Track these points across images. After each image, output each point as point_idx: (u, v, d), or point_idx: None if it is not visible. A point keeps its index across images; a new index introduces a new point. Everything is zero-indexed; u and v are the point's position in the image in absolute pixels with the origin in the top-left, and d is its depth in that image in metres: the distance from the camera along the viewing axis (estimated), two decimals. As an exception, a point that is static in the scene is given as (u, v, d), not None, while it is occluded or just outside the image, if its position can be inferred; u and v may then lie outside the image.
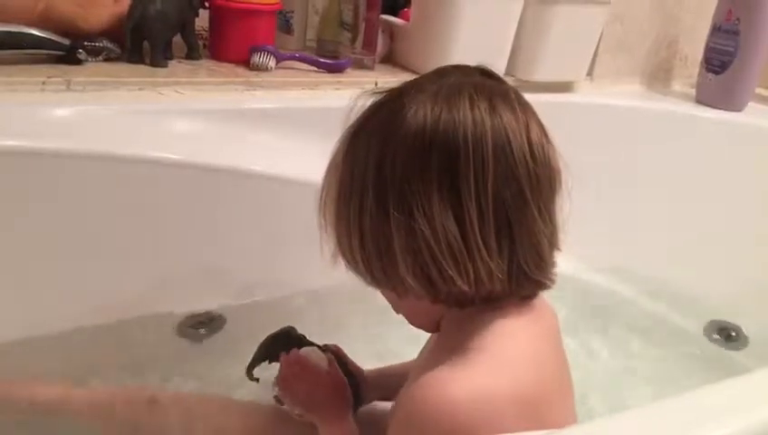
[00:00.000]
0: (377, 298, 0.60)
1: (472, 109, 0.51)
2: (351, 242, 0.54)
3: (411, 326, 0.63)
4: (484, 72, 0.56)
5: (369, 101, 0.56)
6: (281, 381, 0.73)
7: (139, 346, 0.93)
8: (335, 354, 0.76)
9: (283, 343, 0.76)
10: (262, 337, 0.79)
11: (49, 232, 0.87)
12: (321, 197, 0.57)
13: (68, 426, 0.81)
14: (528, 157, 0.51)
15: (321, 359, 0.74)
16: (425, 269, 0.52)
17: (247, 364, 0.77)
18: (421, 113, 0.51)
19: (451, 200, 0.50)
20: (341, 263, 0.57)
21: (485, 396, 0.50)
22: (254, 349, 0.78)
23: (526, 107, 0.54)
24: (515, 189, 0.51)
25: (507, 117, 0.51)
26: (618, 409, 0.47)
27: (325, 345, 0.77)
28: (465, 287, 0.52)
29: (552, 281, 0.56)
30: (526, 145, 0.51)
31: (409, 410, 0.52)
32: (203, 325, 1.00)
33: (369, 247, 0.53)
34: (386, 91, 0.56)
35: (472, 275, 0.51)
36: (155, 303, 0.97)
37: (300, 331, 0.79)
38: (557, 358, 0.59)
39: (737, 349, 1.16)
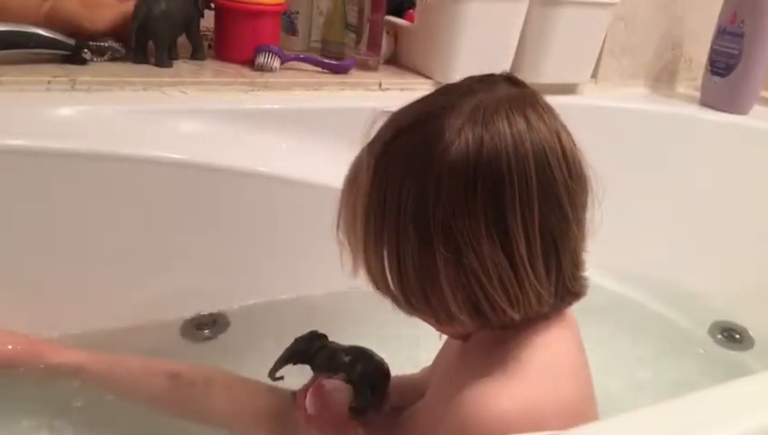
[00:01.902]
0: (384, 302, 0.58)
1: (511, 130, 0.49)
2: (386, 272, 0.52)
3: (419, 328, 0.61)
4: (510, 80, 0.54)
5: (390, 117, 0.54)
6: (305, 409, 0.70)
7: (142, 348, 0.93)
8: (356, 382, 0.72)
9: (308, 346, 0.76)
10: (266, 339, 0.79)
11: (52, 233, 0.87)
12: (340, 215, 0.55)
13: (84, 393, 0.81)
14: (565, 171, 0.51)
15: (344, 389, 0.72)
16: (474, 302, 0.51)
17: (272, 366, 0.76)
18: (464, 143, 0.49)
19: (498, 232, 0.49)
20: (354, 271, 0.56)
21: (535, 407, 0.50)
22: (258, 351, 0.79)
23: (551, 112, 0.53)
24: (558, 213, 0.50)
25: (542, 131, 0.50)
26: (621, 410, 0.47)
27: (350, 347, 0.77)
28: (516, 315, 0.51)
29: (587, 289, 0.56)
30: (560, 154, 0.51)
31: (459, 424, 0.51)
32: (207, 327, 1.00)
33: (409, 281, 0.52)
34: (408, 108, 0.54)
35: (522, 302, 0.51)
36: (158, 304, 0.97)
37: (304, 332, 0.79)
38: (585, 361, 0.59)
39: (742, 350, 1.16)
